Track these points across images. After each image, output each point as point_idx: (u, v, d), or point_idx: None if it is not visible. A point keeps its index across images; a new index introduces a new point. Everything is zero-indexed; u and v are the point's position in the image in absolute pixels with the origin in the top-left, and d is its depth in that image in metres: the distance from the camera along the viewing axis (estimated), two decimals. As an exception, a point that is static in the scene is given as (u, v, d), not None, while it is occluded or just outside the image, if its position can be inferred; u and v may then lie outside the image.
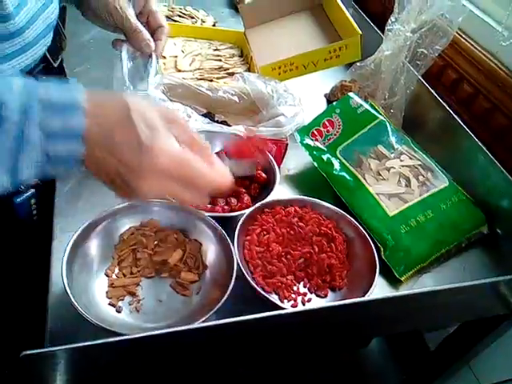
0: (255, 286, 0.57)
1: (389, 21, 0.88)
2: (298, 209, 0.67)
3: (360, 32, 0.85)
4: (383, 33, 0.94)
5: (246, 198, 0.69)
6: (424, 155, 0.78)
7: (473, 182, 0.77)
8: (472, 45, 0.91)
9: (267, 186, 0.71)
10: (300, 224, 0.65)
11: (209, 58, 1.00)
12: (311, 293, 0.62)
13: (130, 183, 0.41)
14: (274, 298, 0.59)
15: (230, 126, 0.83)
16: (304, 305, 0.60)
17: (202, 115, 0.82)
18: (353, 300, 0.52)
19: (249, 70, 0.98)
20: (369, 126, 0.78)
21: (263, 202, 0.65)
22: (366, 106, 0.79)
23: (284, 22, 1.03)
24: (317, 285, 0.62)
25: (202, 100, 0.84)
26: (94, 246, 0.57)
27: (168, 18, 1.15)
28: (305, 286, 0.62)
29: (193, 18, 1.16)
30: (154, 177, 0.40)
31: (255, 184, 0.71)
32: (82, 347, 0.43)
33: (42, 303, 0.55)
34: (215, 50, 1.04)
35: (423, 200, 0.71)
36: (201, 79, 0.94)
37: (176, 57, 0.99)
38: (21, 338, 0.86)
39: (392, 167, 0.75)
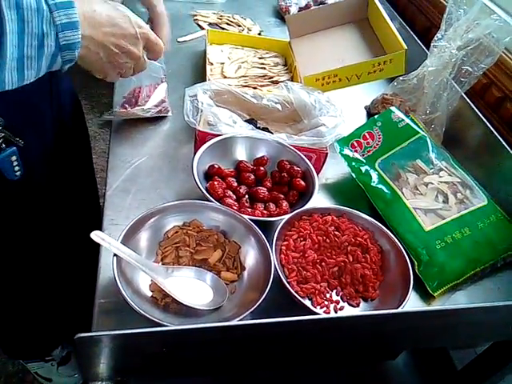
0: (291, 290, 0.59)
1: (435, 37, 0.88)
2: (335, 218, 0.68)
3: (405, 47, 0.86)
4: (428, 48, 0.95)
5: (285, 204, 0.71)
6: (463, 172, 0.78)
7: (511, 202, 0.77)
8: (518, 64, 0.91)
9: (306, 193, 0.74)
10: (336, 233, 0.67)
11: (254, 66, 1.03)
12: (343, 301, 0.63)
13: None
14: (308, 303, 0.61)
15: (271, 133, 0.85)
16: (336, 312, 0.62)
17: (246, 121, 0.85)
18: (388, 311, 0.54)
19: (292, 79, 1.01)
20: (409, 141, 0.79)
21: (301, 209, 0.67)
22: (407, 120, 0.80)
23: (329, 34, 1.05)
24: (349, 294, 0.63)
25: (246, 106, 0.87)
26: (141, 240, 0.61)
27: (216, 25, 1.19)
28: (337, 294, 0.64)
29: (240, 26, 1.20)
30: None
31: (294, 191, 0.74)
32: (125, 334, 0.46)
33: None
34: (260, 58, 1.07)
35: (460, 217, 0.71)
36: (245, 86, 0.97)
37: (223, 63, 1.02)
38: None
39: (430, 183, 0.75)
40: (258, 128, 0.86)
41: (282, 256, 0.64)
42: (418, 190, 0.75)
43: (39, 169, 0.77)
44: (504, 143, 0.82)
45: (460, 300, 0.69)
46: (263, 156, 0.78)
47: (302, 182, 0.74)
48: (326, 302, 0.62)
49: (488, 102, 0.97)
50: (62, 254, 1.03)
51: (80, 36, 0.50)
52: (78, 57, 0.52)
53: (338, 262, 0.65)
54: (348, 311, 0.62)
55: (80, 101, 0.95)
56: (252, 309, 0.53)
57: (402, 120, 0.80)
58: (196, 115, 0.79)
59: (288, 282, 0.61)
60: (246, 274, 0.62)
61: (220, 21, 1.20)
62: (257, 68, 1.03)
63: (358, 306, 0.63)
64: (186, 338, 0.47)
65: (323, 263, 0.65)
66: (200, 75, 1.00)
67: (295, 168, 0.76)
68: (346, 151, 0.81)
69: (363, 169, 0.78)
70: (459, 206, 0.73)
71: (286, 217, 0.66)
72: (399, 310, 0.54)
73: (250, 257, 0.63)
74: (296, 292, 0.61)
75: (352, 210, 0.70)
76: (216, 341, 0.51)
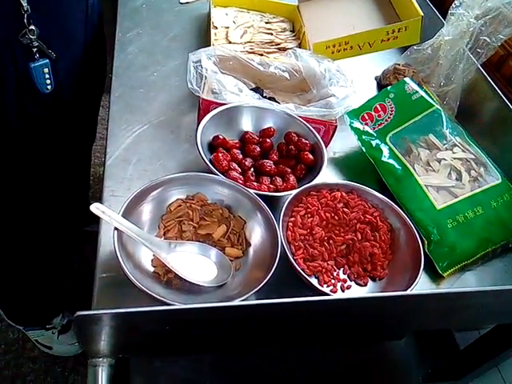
0: (297, 267, 0.57)
1: (453, 4, 0.83)
2: (344, 194, 0.66)
3: (422, 13, 0.81)
4: (443, 17, 0.90)
5: (292, 178, 0.68)
6: (478, 149, 0.75)
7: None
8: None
9: (314, 168, 0.71)
10: (345, 210, 0.64)
11: (260, 31, 0.98)
12: (351, 280, 0.62)
13: None
14: (314, 281, 0.59)
15: (278, 102, 0.82)
16: (343, 291, 0.60)
17: (251, 90, 0.81)
18: (396, 293, 0.52)
19: (300, 46, 0.96)
20: (422, 114, 0.75)
21: (309, 184, 0.65)
22: (422, 92, 0.76)
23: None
24: (357, 273, 0.62)
25: (252, 74, 0.83)
26: (143, 213, 0.58)
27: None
28: (345, 273, 0.62)
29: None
30: None
31: (301, 165, 0.71)
32: (125, 313, 0.44)
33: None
34: (267, 22, 1.01)
35: (474, 196, 0.69)
36: (251, 53, 0.92)
37: (227, 28, 0.97)
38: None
39: (443, 159, 0.73)
40: (264, 97, 0.82)
41: (289, 233, 0.61)
42: (430, 166, 0.72)
43: (67, 85, 0.80)
44: (520, 118, 0.78)
45: (469, 280, 0.67)
46: (270, 127, 0.74)
47: (311, 156, 0.71)
48: (332, 281, 0.60)
49: (504, 74, 0.93)
50: (62, 218, 1.02)
51: None
52: None
53: (346, 240, 0.63)
54: (355, 290, 0.60)
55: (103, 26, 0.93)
56: (257, 288, 0.51)
57: (416, 92, 0.76)
58: (200, 82, 0.75)
59: (294, 260, 0.59)
60: (251, 250, 0.60)
61: (225, -18, 1.13)
62: (263, 33, 0.98)
63: (365, 285, 0.62)
64: (188, 317, 0.45)
65: (331, 241, 0.62)
66: (203, 40, 0.95)
67: (303, 141, 0.72)
68: (356, 124, 0.78)
69: (374, 143, 0.75)
70: (473, 184, 0.70)
71: (294, 192, 0.63)
72: (408, 292, 0.52)
73: (256, 233, 0.61)
74: (302, 270, 0.59)
75: (362, 186, 0.67)
76: (218, 320, 0.49)
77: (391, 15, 0.90)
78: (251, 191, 0.62)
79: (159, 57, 0.89)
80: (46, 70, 0.72)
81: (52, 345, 1.22)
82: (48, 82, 0.74)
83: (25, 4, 0.62)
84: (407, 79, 0.78)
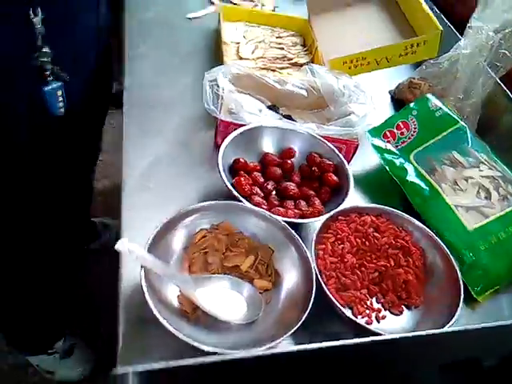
0: (332, 298, 0.54)
1: (472, 18, 0.82)
2: (373, 218, 0.63)
3: (441, 27, 0.79)
4: (458, 30, 0.89)
5: (317, 202, 0.65)
6: (504, 166, 0.73)
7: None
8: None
9: (338, 189, 0.68)
10: (375, 235, 0.62)
11: (272, 46, 0.96)
12: (385, 309, 0.59)
13: None
14: (348, 312, 0.56)
15: (295, 121, 0.79)
16: (378, 322, 0.57)
17: (267, 107, 0.78)
18: (448, 329, 0.49)
19: (312, 60, 0.94)
20: (447, 131, 0.73)
21: (338, 209, 0.62)
22: (445, 108, 0.74)
23: (351, 12, 0.98)
24: (391, 301, 0.59)
25: (268, 92, 0.80)
26: (166, 246, 0.55)
27: (228, 0, 1.10)
28: (378, 302, 0.59)
29: (252, 1, 1.11)
30: None
31: (326, 187, 0.68)
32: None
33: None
34: (278, 37, 0.99)
35: (505, 215, 0.66)
36: (264, 69, 0.90)
37: (238, 43, 0.94)
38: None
39: (470, 177, 0.70)
40: (281, 115, 0.80)
41: (320, 261, 0.59)
42: (457, 185, 0.70)
43: (79, 105, 0.79)
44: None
45: (503, 302, 0.65)
46: (291, 148, 0.72)
47: (335, 178, 0.68)
48: (367, 311, 0.57)
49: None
50: (64, 236, 0.99)
51: None
52: None
53: (379, 267, 0.60)
54: (391, 320, 0.58)
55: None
56: (293, 330, 0.48)
57: (440, 108, 0.74)
58: (216, 102, 0.73)
59: (328, 290, 0.56)
60: (281, 281, 0.57)
61: (230, -5, 1.11)
62: (275, 48, 0.96)
63: (401, 313, 0.59)
64: (221, 366, 0.42)
65: (363, 268, 0.60)
66: (214, 56, 0.92)
67: (326, 162, 0.70)
68: (378, 142, 0.75)
69: (397, 161, 0.73)
70: (502, 203, 0.68)
71: (323, 218, 0.60)
72: (461, 327, 0.49)
73: (285, 262, 0.58)
74: (336, 300, 0.56)
75: (391, 209, 0.65)
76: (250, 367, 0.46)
77: (406, 29, 0.88)
78: (279, 218, 0.59)
79: (171, 74, 0.86)
80: (60, 93, 0.70)
81: (54, 370, 1.18)
82: (61, 104, 0.72)
83: (38, 26, 0.60)
84: (430, 95, 0.76)
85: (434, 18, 0.81)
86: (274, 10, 1.11)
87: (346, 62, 0.82)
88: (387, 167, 0.73)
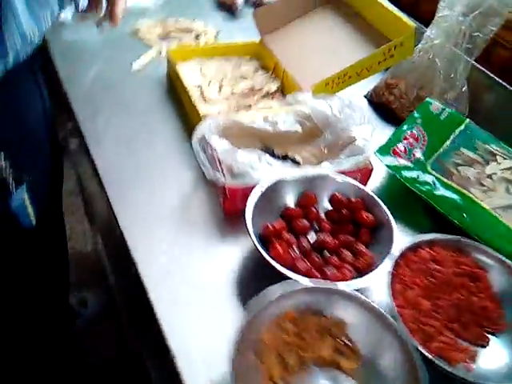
0: (429, 356, 0.49)
1: (439, 6, 0.79)
2: (428, 250, 0.59)
3: (413, 25, 0.76)
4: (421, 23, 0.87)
5: (363, 248, 0.60)
6: (513, 149, 0.71)
7: None
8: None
9: (376, 227, 0.63)
10: (437, 267, 0.58)
11: (235, 80, 0.88)
12: (472, 343, 0.55)
13: None
14: (444, 365, 0.51)
15: (294, 159, 0.73)
16: (474, 361, 0.53)
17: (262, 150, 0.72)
18: None
19: (282, 84, 0.88)
20: (457, 132, 0.70)
21: (396, 255, 0.57)
22: (448, 109, 0.71)
23: (305, 23, 0.92)
24: (476, 333, 0.55)
25: (259, 136, 0.73)
26: (237, 362, 0.47)
27: (165, 37, 1.00)
28: (464, 339, 0.55)
29: (192, 31, 1.03)
30: None
31: (364, 229, 0.63)
32: None
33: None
34: (236, 68, 0.91)
35: (542, 205, 0.65)
36: (239, 109, 0.82)
37: (199, 86, 0.86)
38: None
39: (493, 173, 0.68)
40: (278, 157, 0.73)
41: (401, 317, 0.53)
42: (484, 185, 0.67)
43: (49, 206, 0.75)
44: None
45: None
46: (309, 194, 0.66)
47: (370, 215, 0.63)
48: (460, 354, 0.53)
49: (494, 63, 0.91)
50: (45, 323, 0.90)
51: None
52: None
53: (453, 302, 0.56)
54: (486, 356, 0.54)
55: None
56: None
57: (443, 110, 0.71)
58: (214, 164, 0.65)
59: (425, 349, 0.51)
60: (366, 355, 0.51)
61: (168, 31, 1.02)
62: (239, 81, 0.88)
63: (488, 344, 0.55)
64: None
65: (439, 310, 0.55)
66: (176, 106, 0.83)
67: (353, 200, 0.64)
68: (390, 159, 0.71)
69: (417, 175, 0.69)
70: (535, 194, 0.66)
71: (387, 270, 0.55)
72: None
73: (361, 330, 0.52)
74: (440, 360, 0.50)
75: (439, 235, 0.60)
76: None
77: (375, 35, 0.84)
78: (340, 285, 0.53)
79: (142, 142, 0.76)
80: (26, 197, 0.63)
81: None
82: (30, 211, 0.65)
83: None
84: (429, 99, 0.73)
85: (404, 18, 0.78)
86: (216, 36, 1.03)
87: (329, 82, 0.76)
88: (407, 184, 0.69)
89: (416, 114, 0.72)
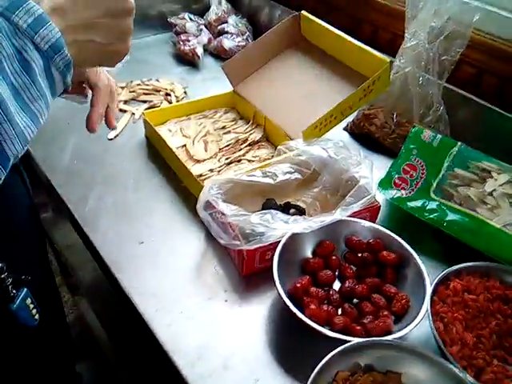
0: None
1: (405, 37, 0.83)
2: (458, 280, 0.59)
3: (387, 59, 0.79)
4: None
5: (393, 289, 0.59)
6: (504, 164, 0.74)
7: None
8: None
9: (399, 264, 0.62)
10: (471, 297, 0.58)
11: (218, 134, 0.87)
12: (519, 368, 0.55)
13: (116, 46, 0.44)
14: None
15: (298, 207, 0.72)
16: (528, 386, 0.53)
17: (265, 207, 0.70)
18: None
19: (265, 131, 0.87)
20: (451, 155, 0.72)
21: (428, 292, 0.56)
22: (439, 135, 0.73)
23: (275, 67, 0.93)
24: (521, 356, 0.55)
25: (260, 190, 0.72)
26: None
27: (133, 100, 0.98)
28: (508, 363, 0.55)
29: (159, 91, 1.01)
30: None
31: (388, 269, 0.62)
32: None
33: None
34: (215, 121, 0.90)
35: (546, 214, 0.67)
36: (229, 163, 0.81)
37: (184, 146, 0.84)
38: None
39: (493, 190, 0.70)
40: (280, 206, 0.72)
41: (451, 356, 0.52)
42: (487, 203, 0.69)
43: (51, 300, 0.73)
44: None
45: None
46: (325, 241, 0.65)
47: (392, 254, 0.62)
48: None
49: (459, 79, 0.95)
50: None
51: (56, 29, 0.37)
52: (72, 56, 0.39)
53: (493, 328, 0.56)
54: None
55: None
56: None
57: (434, 137, 0.73)
58: (225, 230, 0.63)
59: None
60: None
61: (135, 94, 1.00)
62: (222, 135, 0.87)
63: (534, 363, 0.55)
64: None
65: (482, 339, 0.55)
66: (163, 170, 0.81)
67: (371, 241, 0.64)
68: (394, 193, 0.72)
69: (424, 204, 0.69)
70: (534, 203, 0.69)
71: (423, 313, 0.54)
72: None
73: (415, 377, 0.51)
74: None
75: (465, 264, 0.61)
76: None
77: (346, 70, 0.85)
78: (387, 339, 0.52)
79: (139, 215, 0.73)
80: (29, 301, 0.58)
81: None
82: (34, 311, 0.60)
83: None
84: (417, 127, 0.74)
85: (377, 53, 0.80)
86: (186, 92, 1.02)
87: (317, 125, 0.77)
88: (416, 215, 0.69)
89: (409, 146, 0.73)
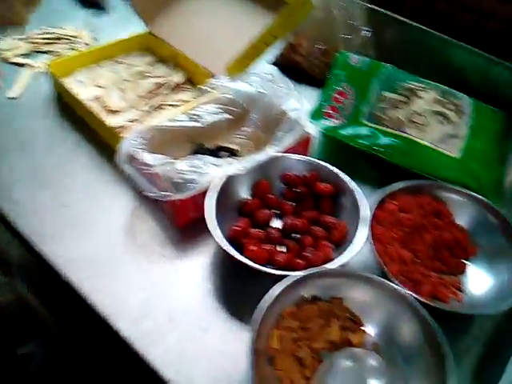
0: (427, 301, 0.50)
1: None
2: (391, 201, 0.59)
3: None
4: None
5: (330, 218, 0.59)
6: (428, 81, 0.74)
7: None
8: None
9: (336, 194, 0.62)
10: (404, 215, 0.59)
11: (135, 80, 0.80)
12: (454, 275, 0.57)
13: None
14: (439, 304, 0.53)
15: (230, 149, 0.69)
16: (462, 291, 0.55)
17: (196, 152, 0.66)
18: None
19: (189, 74, 0.81)
20: (378, 78, 0.71)
21: (369, 216, 0.56)
22: (367, 58, 0.71)
23: (189, 2, 0.86)
24: (455, 264, 0.57)
25: (188, 135, 0.67)
26: None
27: (35, 52, 0.88)
28: (443, 272, 0.57)
29: (64, 38, 0.91)
30: None
31: (325, 199, 0.61)
32: None
33: None
34: (128, 66, 0.83)
35: (471, 127, 0.68)
36: (150, 111, 0.75)
37: (98, 98, 0.76)
38: None
39: (421, 109, 0.70)
40: (213, 152, 0.68)
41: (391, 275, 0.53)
42: (416, 123, 0.69)
43: None
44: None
45: None
46: (260, 181, 0.62)
47: (328, 185, 0.61)
48: (448, 289, 0.55)
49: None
50: None
51: None
52: None
53: (428, 242, 0.57)
54: (469, 284, 0.56)
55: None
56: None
57: (363, 60, 0.71)
58: (153, 182, 0.58)
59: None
60: (369, 322, 0.51)
61: (36, 45, 0.89)
62: (140, 81, 0.80)
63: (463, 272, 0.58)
64: None
65: (419, 254, 0.57)
66: (79, 125, 0.73)
67: (306, 174, 0.63)
68: (325, 123, 0.70)
69: (356, 131, 0.68)
70: (461, 116, 0.70)
71: (363, 233, 0.54)
72: None
73: (360, 302, 0.51)
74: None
75: (398, 183, 0.61)
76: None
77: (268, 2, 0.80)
78: (329, 267, 0.51)
79: (59, 179, 0.66)
80: None
81: None
82: None
83: None
84: (343, 52, 0.72)
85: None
86: (95, 39, 0.93)
87: (241, 59, 0.72)
88: (351, 143, 0.68)
89: (338, 71, 0.71)
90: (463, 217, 0.60)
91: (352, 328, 0.51)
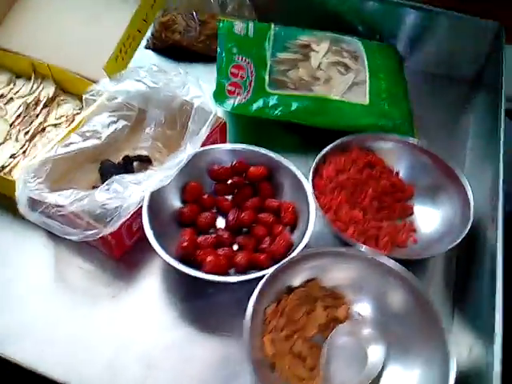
0: (385, 254, 0.51)
1: None
2: (326, 166, 0.58)
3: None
4: None
5: (277, 203, 0.56)
6: (318, 32, 0.72)
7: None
8: None
9: (270, 175, 0.59)
10: (344, 176, 0.58)
11: (-1, 107, 0.67)
12: (404, 219, 0.58)
13: None
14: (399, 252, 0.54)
15: (140, 157, 0.62)
16: (416, 233, 0.57)
17: (106, 171, 0.59)
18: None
19: (59, 84, 0.70)
20: (269, 41, 0.67)
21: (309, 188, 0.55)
22: (250, 23, 0.67)
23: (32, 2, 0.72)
24: (402, 209, 0.59)
25: (86, 155, 0.58)
26: None
27: None
28: (394, 219, 0.58)
29: None
30: None
31: (261, 183, 0.58)
32: None
33: None
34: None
35: (369, 69, 0.69)
36: (32, 138, 0.64)
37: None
38: None
39: (320, 63, 0.69)
40: (123, 166, 0.61)
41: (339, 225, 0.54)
42: (319, 79, 0.68)
43: None
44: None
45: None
46: (190, 183, 0.57)
47: (259, 169, 0.58)
48: (404, 234, 0.56)
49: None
50: None
51: None
52: None
53: (371, 194, 0.58)
54: (420, 225, 0.58)
55: None
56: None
57: (248, 25, 0.66)
58: (71, 224, 0.50)
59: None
60: (350, 293, 0.50)
61: None
62: (4, 105, 0.67)
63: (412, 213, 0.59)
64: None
65: (367, 209, 0.57)
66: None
67: (233, 164, 0.58)
68: (231, 102, 0.64)
69: (264, 102, 0.64)
70: (357, 61, 0.70)
71: (312, 207, 0.53)
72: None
73: (330, 275, 0.51)
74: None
75: (326, 148, 0.59)
76: None
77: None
78: (293, 256, 0.49)
79: None
80: None
81: None
82: None
83: None
84: (225, 22, 0.66)
85: None
86: None
87: (117, 55, 0.63)
88: (262, 115, 0.64)
89: (227, 45, 0.65)
90: (394, 160, 0.62)
91: (334, 304, 0.50)
